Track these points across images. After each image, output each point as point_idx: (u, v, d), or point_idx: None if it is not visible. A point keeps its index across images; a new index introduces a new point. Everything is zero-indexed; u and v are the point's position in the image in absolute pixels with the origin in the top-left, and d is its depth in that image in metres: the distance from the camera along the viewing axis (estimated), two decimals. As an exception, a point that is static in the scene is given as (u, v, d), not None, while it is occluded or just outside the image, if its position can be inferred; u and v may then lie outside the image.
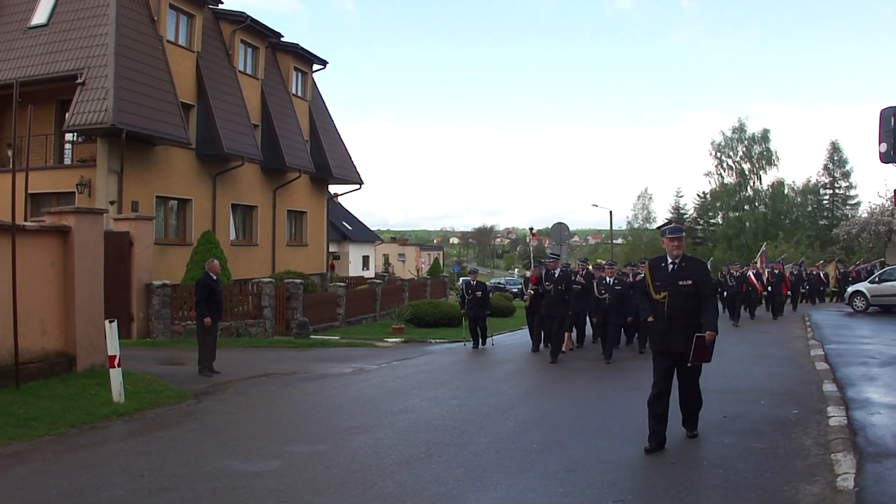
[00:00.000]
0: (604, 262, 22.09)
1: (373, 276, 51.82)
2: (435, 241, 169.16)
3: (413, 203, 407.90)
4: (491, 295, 23.56)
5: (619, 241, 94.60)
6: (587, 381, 14.77)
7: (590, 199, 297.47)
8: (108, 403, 11.53)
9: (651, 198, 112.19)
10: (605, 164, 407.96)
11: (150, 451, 9.06)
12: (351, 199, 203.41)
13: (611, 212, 71.79)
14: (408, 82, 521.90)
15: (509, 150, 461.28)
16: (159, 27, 26.77)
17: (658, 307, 8.88)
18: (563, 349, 18.34)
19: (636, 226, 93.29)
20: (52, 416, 10.56)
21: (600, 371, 16.03)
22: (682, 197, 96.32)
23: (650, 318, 9.00)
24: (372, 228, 78.01)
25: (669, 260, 8.93)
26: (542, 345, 19.54)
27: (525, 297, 21.02)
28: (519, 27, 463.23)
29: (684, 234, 9.26)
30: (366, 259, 67.59)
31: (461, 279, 24.45)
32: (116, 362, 11.79)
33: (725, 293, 28.29)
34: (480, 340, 21.23)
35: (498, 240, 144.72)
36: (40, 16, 26.63)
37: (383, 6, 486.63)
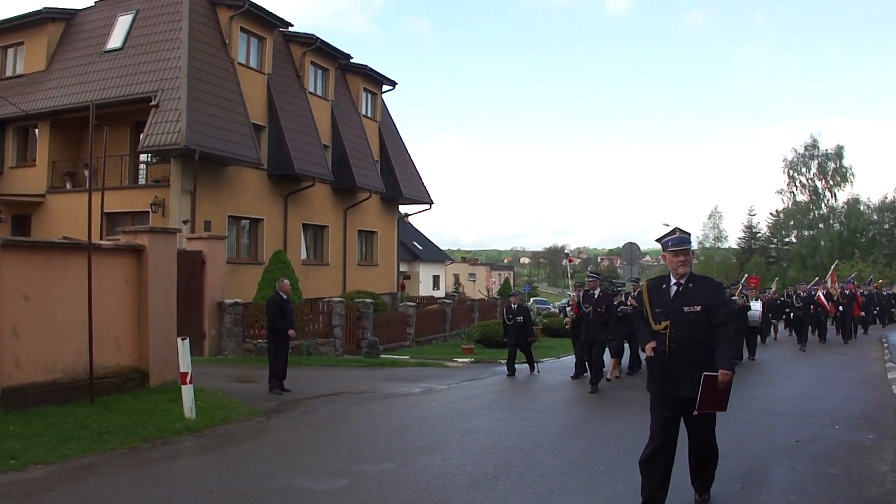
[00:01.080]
0: None
1: (443, 295, 51.88)
2: (506, 260, 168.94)
3: (484, 223, 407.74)
4: (536, 319, 22.39)
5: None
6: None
7: (661, 217, 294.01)
8: (179, 419, 11.67)
9: (721, 216, 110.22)
10: (676, 182, 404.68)
11: (220, 467, 9.15)
12: (422, 219, 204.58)
13: (681, 231, 70.92)
14: (479, 101, 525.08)
15: (580, 169, 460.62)
16: (231, 50, 27.22)
17: (659, 340, 7.12)
18: (609, 377, 17.39)
19: (707, 245, 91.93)
20: (125, 431, 10.72)
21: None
22: (754, 215, 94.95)
23: (650, 349, 7.15)
24: (443, 248, 78.17)
25: (673, 280, 7.22)
26: (584, 371, 17.84)
27: (566, 319, 20.31)
28: (591, 45, 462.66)
29: (691, 246, 7.38)
30: (436, 279, 67.72)
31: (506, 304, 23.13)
32: (188, 379, 11.93)
33: (792, 315, 27.76)
34: (529, 367, 19.97)
35: (568, 259, 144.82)
36: (115, 40, 27.31)
37: (457, 25, 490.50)
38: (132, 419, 11.47)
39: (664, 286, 7.28)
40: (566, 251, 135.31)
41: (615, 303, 17.43)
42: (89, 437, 10.25)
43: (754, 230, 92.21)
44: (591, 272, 19.03)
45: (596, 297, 16.58)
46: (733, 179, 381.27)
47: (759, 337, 24.55)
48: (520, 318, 19.59)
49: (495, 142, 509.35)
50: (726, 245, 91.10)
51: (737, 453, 9.35)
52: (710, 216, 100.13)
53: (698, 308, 6.96)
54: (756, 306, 22.59)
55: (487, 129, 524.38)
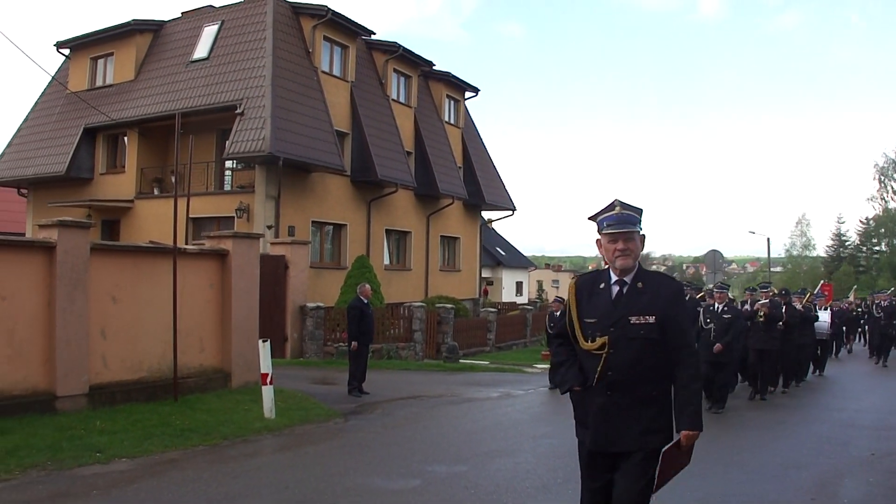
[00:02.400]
0: (755, 285, 19.17)
1: (525, 302, 51.84)
2: (590, 267, 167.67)
3: (569, 229, 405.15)
4: None
5: (778, 268, 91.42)
6: (729, 414, 14.41)
7: (747, 225, 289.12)
8: (259, 419, 11.95)
9: (809, 224, 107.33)
10: (763, 188, 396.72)
11: (297, 465, 9.38)
12: (506, 226, 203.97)
13: (768, 239, 69.51)
14: (567, 106, 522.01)
15: (665, 176, 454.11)
16: (314, 59, 27.66)
17: (589, 364, 4.82)
18: None
19: (794, 253, 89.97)
20: (206, 428, 11.03)
21: (741, 406, 15.33)
22: (843, 223, 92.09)
23: (574, 388, 4.96)
24: (527, 255, 78.09)
25: (614, 278, 4.89)
26: None
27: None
28: (682, 47, 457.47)
29: (639, 228, 4.91)
30: (519, 285, 67.67)
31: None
32: (269, 380, 12.19)
33: (868, 327, 26.43)
34: None
35: (654, 266, 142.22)
36: (201, 50, 27.99)
37: (548, 29, 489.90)
38: (214, 417, 11.80)
39: (601, 286, 4.94)
40: (650, 257, 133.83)
41: None
42: (172, 433, 10.58)
43: (843, 238, 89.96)
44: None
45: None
46: (822, 186, 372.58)
47: (830, 351, 23.35)
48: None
49: (583, 146, 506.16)
50: (814, 253, 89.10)
51: (810, 465, 9.31)
52: (798, 223, 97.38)
53: (651, 319, 4.74)
54: (824, 317, 21.18)
55: (576, 135, 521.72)
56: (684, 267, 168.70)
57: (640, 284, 4.85)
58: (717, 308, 14.30)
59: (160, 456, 9.54)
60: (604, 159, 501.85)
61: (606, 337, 4.74)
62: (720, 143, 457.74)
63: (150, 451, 9.67)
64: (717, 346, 13.83)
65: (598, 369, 4.75)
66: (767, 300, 16.07)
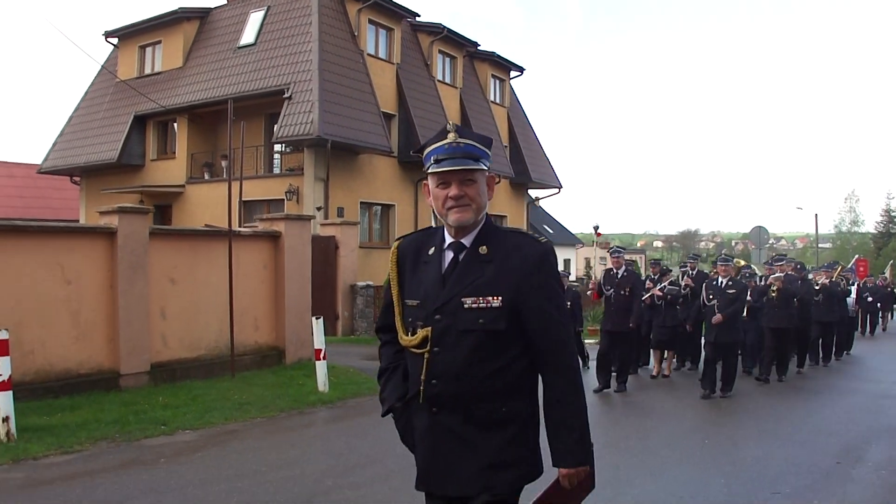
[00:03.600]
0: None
1: (573, 279, 52.03)
2: (639, 244, 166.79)
3: (618, 206, 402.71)
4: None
5: (827, 245, 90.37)
6: (764, 388, 14.58)
7: (795, 201, 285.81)
8: (313, 392, 12.47)
9: (858, 200, 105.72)
10: (811, 165, 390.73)
11: (350, 434, 9.86)
12: (554, 203, 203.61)
13: (816, 215, 68.84)
14: (614, 83, 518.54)
15: (715, 152, 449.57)
16: (360, 41, 28.03)
17: (413, 369, 3.33)
18: (655, 372, 15.55)
19: (843, 229, 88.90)
20: (263, 402, 11.57)
21: (774, 381, 14.91)
22: (893, 199, 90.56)
23: (394, 406, 3.46)
24: (574, 232, 78.12)
25: (448, 240, 3.38)
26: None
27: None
28: (729, 24, 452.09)
29: (485, 164, 3.36)
30: (567, 262, 67.75)
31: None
32: (322, 355, 12.71)
33: None
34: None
35: (703, 243, 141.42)
36: (248, 36, 28.44)
37: (602, 5, 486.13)
38: (270, 392, 12.34)
39: (430, 252, 3.39)
40: (698, 234, 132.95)
41: (663, 286, 15.41)
42: (231, 407, 11.13)
43: (892, 214, 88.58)
44: (616, 247, 15.25)
45: (620, 276, 13.74)
46: (872, 162, 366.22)
47: (855, 328, 22.52)
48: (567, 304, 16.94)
49: (633, 125, 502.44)
50: (864, 230, 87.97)
51: (840, 432, 9.62)
52: (847, 199, 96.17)
53: (495, 302, 3.18)
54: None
55: (626, 112, 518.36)
56: (733, 243, 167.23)
57: (483, 249, 3.27)
58: (721, 282, 13.26)
59: (221, 427, 10.08)
60: (653, 135, 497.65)
61: (430, 328, 3.22)
62: (771, 118, 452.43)
63: (211, 423, 10.22)
64: (717, 316, 12.74)
65: (421, 377, 3.24)
66: (782, 274, 15.17)
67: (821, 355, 17.62)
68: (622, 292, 13.45)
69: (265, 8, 28.69)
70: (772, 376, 14.65)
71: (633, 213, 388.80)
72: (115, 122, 30.84)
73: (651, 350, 16.28)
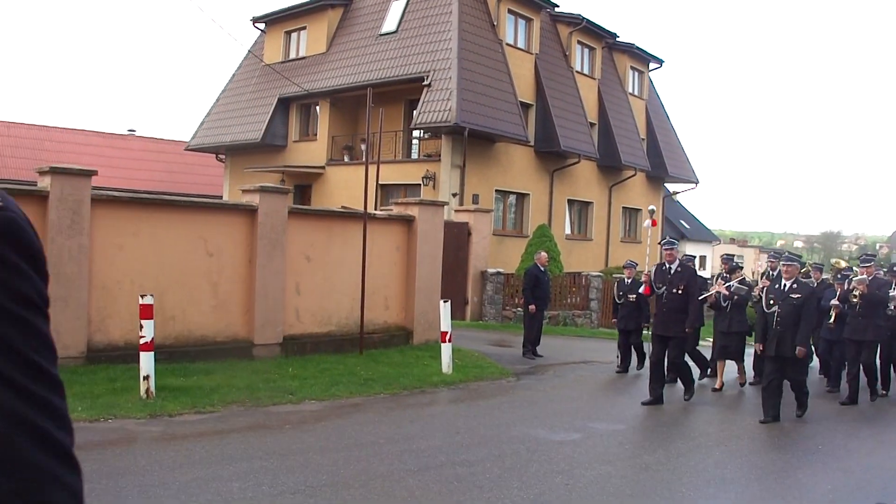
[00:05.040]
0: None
1: (708, 276, 51.18)
2: (779, 243, 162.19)
3: (759, 203, 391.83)
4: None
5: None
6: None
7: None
8: (437, 373, 12.82)
9: None
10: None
11: (468, 415, 10.15)
12: (691, 198, 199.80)
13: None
14: (758, 75, 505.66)
15: (861, 151, 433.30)
16: (499, 31, 28.25)
17: None
18: (719, 386, 13.56)
19: None
20: (387, 379, 11.98)
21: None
22: None
23: None
24: (713, 229, 76.74)
25: None
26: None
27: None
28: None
29: None
30: (703, 259, 66.62)
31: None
32: (448, 338, 13.05)
33: None
34: (638, 363, 15.59)
35: (845, 245, 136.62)
36: (390, 24, 29.01)
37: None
38: (395, 370, 12.76)
39: None
40: (840, 235, 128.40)
41: (731, 285, 13.30)
42: (356, 382, 11.57)
43: None
44: (668, 239, 12.85)
45: (672, 272, 12.07)
46: None
47: None
48: (632, 297, 15.10)
49: (775, 117, 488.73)
50: None
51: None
52: None
53: None
54: None
55: (771, 107, 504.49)
56: (878, 247, 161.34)
57: None
58: (785, 285, 10.99)
59: (345, 400, 10.53)
60: (796, 133, 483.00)
61: None
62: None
63: (336, 395, 10.68)
64: (800, 349, 10.56)
65: None
66: (867, 276, 12.31)
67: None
68: (675, 290, 11.81)
69: (406, -3, 29.20)
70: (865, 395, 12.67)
71: (775, 210, 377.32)
72: (259, 104, 31.94)
73: (713, 360, 14.34)
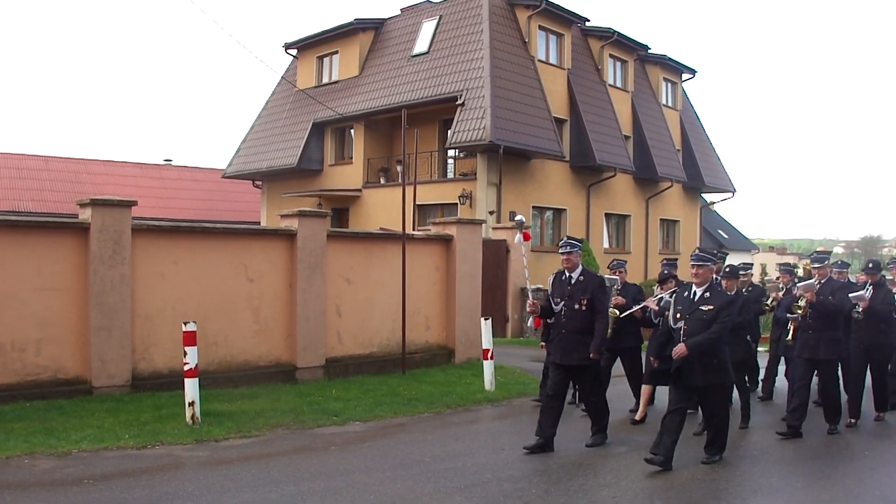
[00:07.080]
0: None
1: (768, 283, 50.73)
2: (818, 250, 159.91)
3: (797, 211, 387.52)
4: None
5: None
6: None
7: None
8: (480, 391, 12.83)
9: None
10: None
11: (513, 431, 10.13)
12: (729, 208, 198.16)
13: None
14: (798, 85, 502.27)
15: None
16: (530, 48, 28.29)
17: None
18: (638, 416, 11.29)
19: None
20: (431, 398, 12.02)
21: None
22: None
23: None
24: (751, 237, 76.21)
25: None
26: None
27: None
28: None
29: None
30: (763, 267, 66.08)
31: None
32: (489, 355, 13.06)
33: None
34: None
35: (885, 250, 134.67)
36: (421, 45, 29.20)
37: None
38: (438, 389, 12.79)
39: None
40: (880, 240, 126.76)
41: (664, 294, 10.60)
42: (400, 402, 11.63)
43: None
44: (566, 239, 9.94)
45: (573, 282, 9.47)
46: None
47: None
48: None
49: (812, 127, 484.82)
50: None
51: None
52: None
53: None
54: None
55: (804, 112, 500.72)
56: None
57: None
58: (695, 294, 8.72)
59: (389, 420, 10.58)
60: (833, 139, 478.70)
61: None
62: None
63: (380, 416, 10.73)
64: (679, 346, 8.40)
65: None
66: (816, 281, 10.41)
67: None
68: (577, 306, 9.23)
69: (437, 17, 29.37)
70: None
71: (815, 217, 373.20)
72: (294, 130, 32.29)
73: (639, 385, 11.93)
